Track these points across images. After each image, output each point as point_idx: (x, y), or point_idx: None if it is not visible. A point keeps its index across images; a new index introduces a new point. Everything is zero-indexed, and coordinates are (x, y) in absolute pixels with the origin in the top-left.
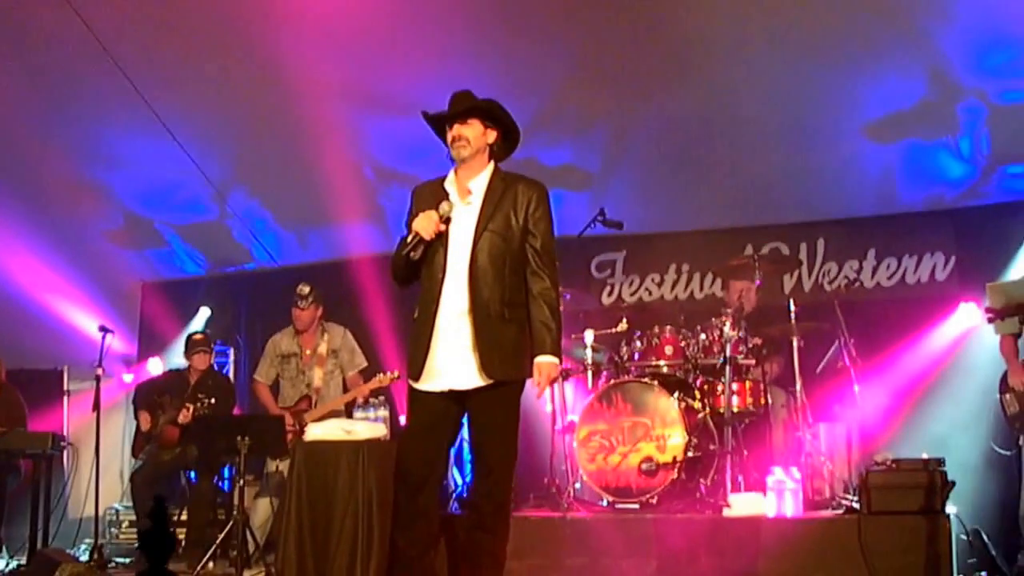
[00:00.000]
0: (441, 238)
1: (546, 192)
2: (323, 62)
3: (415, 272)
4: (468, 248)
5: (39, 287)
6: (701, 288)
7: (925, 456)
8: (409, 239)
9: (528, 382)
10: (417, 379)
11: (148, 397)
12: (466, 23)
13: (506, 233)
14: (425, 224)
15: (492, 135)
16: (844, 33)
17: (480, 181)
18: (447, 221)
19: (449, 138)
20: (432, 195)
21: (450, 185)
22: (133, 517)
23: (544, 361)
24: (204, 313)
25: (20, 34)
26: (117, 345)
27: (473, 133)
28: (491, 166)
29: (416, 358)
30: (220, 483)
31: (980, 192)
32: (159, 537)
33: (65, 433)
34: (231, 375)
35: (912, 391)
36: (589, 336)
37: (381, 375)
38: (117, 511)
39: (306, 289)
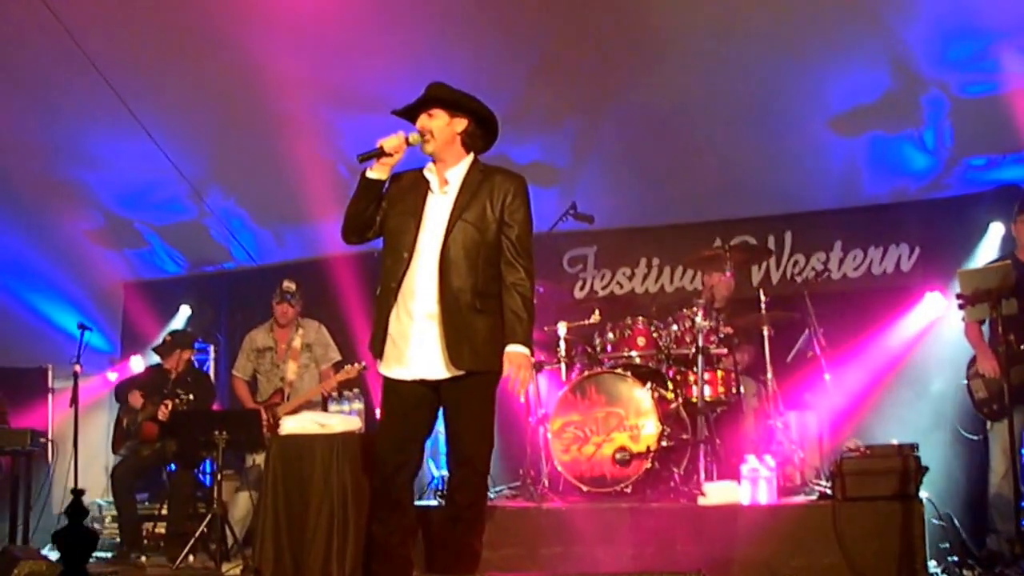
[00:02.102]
0: (414, 219)
1: (524, 184)
2: (296, 60)
3: (364, 217)
4: (441, 236)
5: (23, 287)
6: (671, 281)
7: (896, 442)
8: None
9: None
10: (379, 357)
11: (128, 393)
12: (436, 20)
13: (481, 223)
14: (391, 140)
15: (460, 124)
16: (808, 26)
17: (457, 172)
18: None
19: (417, 129)
20: (411, 182)
21: (429, 174)
22: (116, 512)
23: (514, 351)
24: (184, 312)
25: None
26: (100, 344)
27: (437, 124)
28: (470, 157)
29: (376, 335)
30: (202, 477)
31: (943, 184)
32: (76, 535)
33: (49, 430)
34: (212, 372)
35: (880, 379)
36: (562, 328)
37: (348, 366)
38: (100, 506)
39: (293, 286)
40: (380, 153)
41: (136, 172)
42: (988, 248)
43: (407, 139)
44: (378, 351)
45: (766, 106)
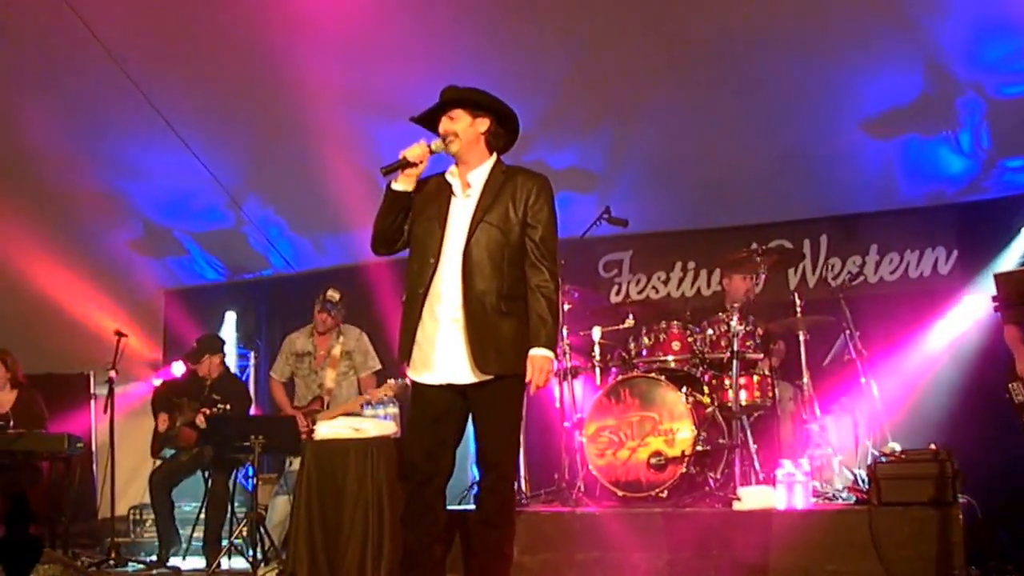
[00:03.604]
0: (439, 223)
1: (548, 184)
2: (332, 69)
3: (392, 229)
4: (463, 240)
5: (67, 295)
6: (708, 285)
7: (933, 446)
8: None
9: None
10: (407, 361)
11: (166, 399)
12: (473, 28)
13: (504, 225)
14: (414, 149)
15: (483, 124)
16: (841, 29)
17: (480, 173)
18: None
19: (440, 133)
20: (434, 187)
21: (451, 178)
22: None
23: (537, 354)
24: (231, 318)
25: (38, 54)
26: (143, 350)
27: (460, 125)
28: (493, 159)
29: (405, 340)
30: (245, 482)
31: (981, 187)
32: (16, 544)
33: (93, 436)
34: (251, 378)
35: (917, 383)
36: (597, 333)
37: (390, 381)
38: (141, 510)
39: (336, 296)
40: (404, 164)
41: (175, 182)
42: (1017, 251)
43: (430, 147)
44: (406, 354)
45: (800, 109)
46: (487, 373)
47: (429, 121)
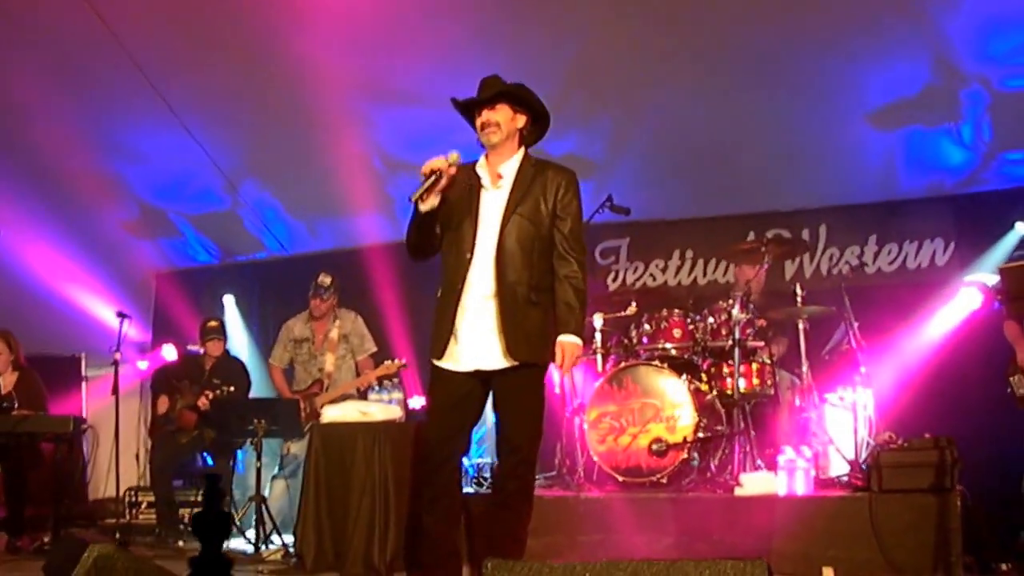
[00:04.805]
0: (470, 218)
1: (576, 178)
2: (334, 54)
3: (429, 241)
4: (496, 230)
5: (58, 276)
6: (704, 274)
7: (928, 436)
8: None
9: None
10: (440, 357)
11: (166, 381)
12: (473, 15)
13: (535, 217)
14: (436, 161)
15: (521, 120)
16: (849, 19)
17: (511, 166)
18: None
19: (479, 124)
20: (464, 181)
21: (481, 169)
22: (152, 498)
23: (567, 340)
24: (230, 300)
25: (39, 33)
26: (132, 332)
27: (503, 118)
28: (522, 151)
29: (440, 336)
30: (234, 465)
31: (980, 179)
32: (213, 518)
33: (84, 417)
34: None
35: (915, 373)
36: (598, 320)
37: (388, 362)
38: (136, 492)
39: (327, 280)
40: (431, 185)
41: (171, 164)
42: (1011, 245)
43: (448, 161)
44: (440, 350)
45: (804, 99)
46: (517, 360)
47: (467, 110)
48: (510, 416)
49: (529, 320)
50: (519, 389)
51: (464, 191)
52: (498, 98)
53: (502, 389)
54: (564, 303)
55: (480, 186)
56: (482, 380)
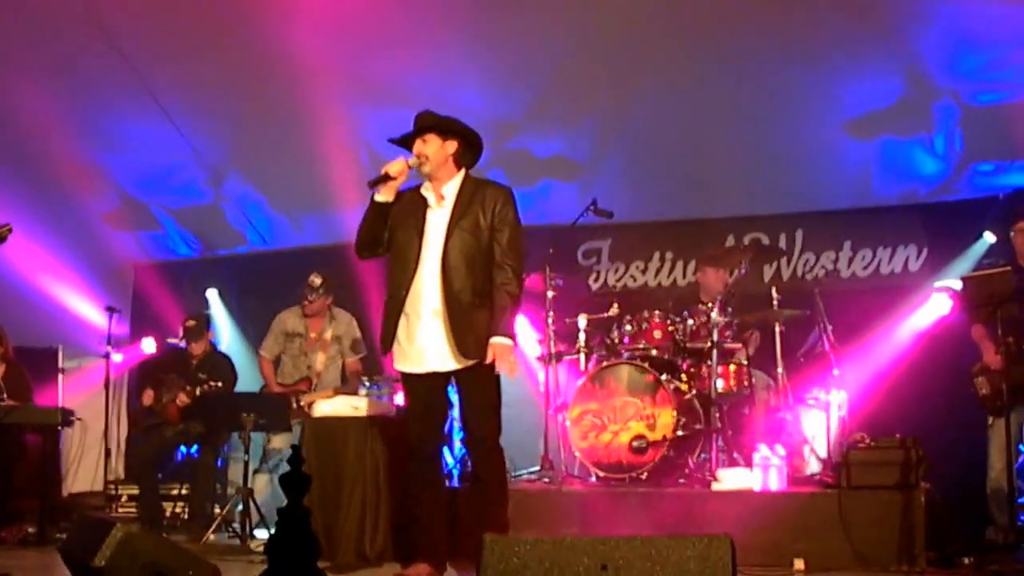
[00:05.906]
0: (417, 233)
1: (512, 194)
2: (321, 49)
3: (377, 237)
4: (441, 244)
5: (35, 267)
6: (684, 275)
7: (898, 436)
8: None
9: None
10: (388, 351)
11: (152, 374)
12: (460, 14)
13: (475, 231)
14: (395, 165)
15: (452, 146)
16: (827, 35)
17: (452, 187)
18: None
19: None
20: (410, 200)
21: (426, 191)
22: (133, 491)
23: (496, 342)
24: (213, 295)
25: (22, 19)
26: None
27: (432, 149)
28: (461, 173)
29: (385, 337)
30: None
31: (952, 188)
32: (296, 541)
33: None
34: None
35: (887, 375)
36: (582, 320)
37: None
38: (116, 485)
39: (317, 281)
40: (386, 178)
41: (155, 155)
42: (979, 253)
43: (407, 163)
44: (387, 347)
45: (783, 108)
46: (469, 359)
47: (405, 143)
48: (472, 411)
49: (477, 322)
50: (476, 384)
51: (411, 209)
52: (424, 131)
53: (464, 388)
54: (498, 308)
55: (427, 206)
56: (443, 377)
